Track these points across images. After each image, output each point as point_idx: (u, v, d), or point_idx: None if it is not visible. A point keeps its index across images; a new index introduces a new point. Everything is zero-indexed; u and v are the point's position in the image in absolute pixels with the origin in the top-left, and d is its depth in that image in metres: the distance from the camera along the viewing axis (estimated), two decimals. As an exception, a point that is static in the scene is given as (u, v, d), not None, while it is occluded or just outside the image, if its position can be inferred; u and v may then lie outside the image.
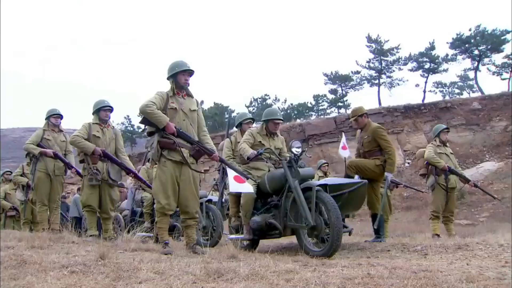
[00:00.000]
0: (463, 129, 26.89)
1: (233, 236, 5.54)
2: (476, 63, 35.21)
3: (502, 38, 33.37)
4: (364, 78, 37.60)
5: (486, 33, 33.73)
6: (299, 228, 4.62)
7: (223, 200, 6.80)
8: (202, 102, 31.99)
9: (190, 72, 4.61)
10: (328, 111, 40.43)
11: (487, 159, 24.93)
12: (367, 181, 5.09)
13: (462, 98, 32.81)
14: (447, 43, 35.09)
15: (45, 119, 6.91)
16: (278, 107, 40.01)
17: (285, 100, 41.98)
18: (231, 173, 4.75)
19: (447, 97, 36.68)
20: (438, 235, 7.08)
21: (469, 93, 37.83)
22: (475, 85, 36.40)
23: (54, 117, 6.85)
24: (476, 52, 34.67)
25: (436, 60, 35.51)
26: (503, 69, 34.97)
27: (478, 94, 33.40)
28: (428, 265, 3.34)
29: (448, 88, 38.77)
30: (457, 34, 34.62)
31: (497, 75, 35.43)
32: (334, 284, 2.72)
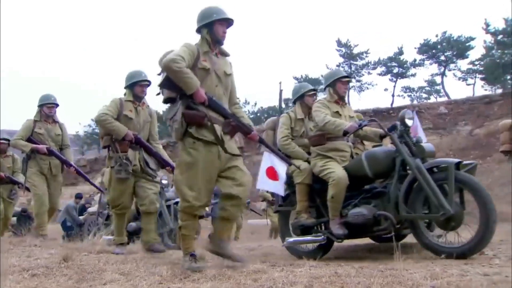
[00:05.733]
0: (431, 133, 27.44)
1: (300, 238, 4.47)
2: (443, 68, 36.06)
3: (467, 44, 34.33)
4: (334, 82, 37.96)
5: (452, 39, 34.61)
6: (418, 219, 3.81)
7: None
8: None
9: (229, 23, 3.53)
10: (298, 114, 40.65)
11: (453, 162, 25.49)
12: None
13: (429, 102, 33.55)
14: (415, 48, 35.90)
15: (38, 106, 5.96)
16: (248, 110, 40.05)
17: (255, 103, 42.13)
18: (266, 162, 3.96)
19: (415, 101, 37.36)
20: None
21: (436, 98, 38.65)
22: (442, 90, 37.28)
23: (48, 107, 5.92)
24: (442, 57, 35.52)
25: (404, 65, 36.18)
26: (468, 74, 35.95)
27: (444, 98, 34.19)
28: (394, 264, 3.37)
29: (416, 93, 39.49)
30: (424, 40, 35.40)
31: (463, 81, 36.38)
32: (301, 283, 2.71)
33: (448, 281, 2.59)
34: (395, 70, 36.46)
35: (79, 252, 4.04)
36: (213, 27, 3.43)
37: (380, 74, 36.94)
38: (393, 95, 36.82)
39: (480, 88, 35.90)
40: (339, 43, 36.69)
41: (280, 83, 5.33)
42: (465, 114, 27.79)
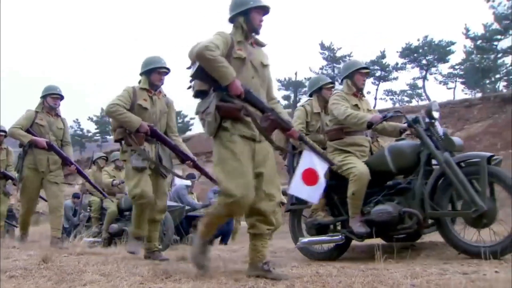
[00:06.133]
0: (412, 136, 27.76)
1: (316, 238, 4.19)
2: (424, 72, 36.56)
3: (448, 49, 34.87)
4: (317, 84, 38.16)
5: (433, 43, 35.12)
6: (446, 216, 3.57)
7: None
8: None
9: (265, 11, 3.21)
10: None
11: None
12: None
13: (411, 105, 33.88)
14: (397, 52, 36.32)
15: (41, 97, 5.47)
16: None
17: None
18: (305, 163, 3.28)
19: (397, 105, 37.79)
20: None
21: (417, 101, 39.14)
22: (423, 94, 37.76)
23: (52, 98, 5.43)
24: (424, 61, 36.01)
25: (387, 69, 36.60)
26: (448, 78, 36.57)
27: (426, 102, 34.62)
28: (375, 264, 3.40)
29: (398, 96, 39.97)
30: (406, 44, 35.86)
31: (444, 84, 37.00)
32: (283, 283, 2.72)
33: (428, 279, 2.62)
34: (378, 74, 36.83)
35: (59, 254, 3.99)
36: (249, 15, 3.14)
37: (362, 77, 37.25)
38: (375, 98, 37.22)
39: (460, 92, 36.57)
40: (322, 46, 36.96)
41: (295, 73, 5.13)
42: (446, 117, 28.12)
